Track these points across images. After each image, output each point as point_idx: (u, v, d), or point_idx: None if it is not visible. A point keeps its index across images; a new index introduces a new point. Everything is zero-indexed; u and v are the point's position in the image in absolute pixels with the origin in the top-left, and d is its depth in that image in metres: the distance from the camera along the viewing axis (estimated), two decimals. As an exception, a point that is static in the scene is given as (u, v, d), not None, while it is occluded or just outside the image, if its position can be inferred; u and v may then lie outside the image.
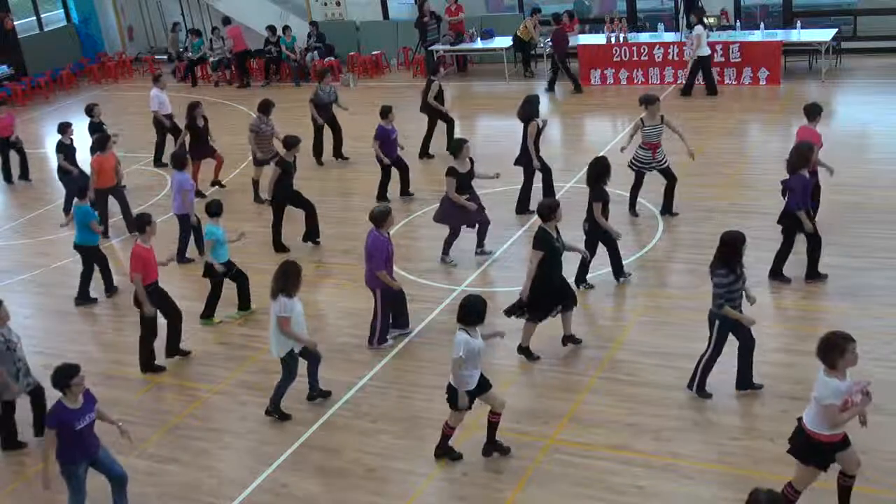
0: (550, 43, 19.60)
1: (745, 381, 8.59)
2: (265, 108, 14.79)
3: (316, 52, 23.38)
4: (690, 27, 18.11)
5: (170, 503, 8.20)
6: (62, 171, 15.01)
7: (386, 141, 14.05)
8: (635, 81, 19.50)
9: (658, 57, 19.15)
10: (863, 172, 13.50)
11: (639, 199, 12.91)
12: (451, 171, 11.56)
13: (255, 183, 14.97)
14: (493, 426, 8.07)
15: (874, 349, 9.05)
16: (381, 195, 14.27)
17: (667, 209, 12.65)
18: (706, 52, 17.98)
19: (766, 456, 7.80)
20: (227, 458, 8.74)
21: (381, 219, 9.85)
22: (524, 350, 9.60)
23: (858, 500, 7.19)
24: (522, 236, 12.54)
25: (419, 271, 11.91)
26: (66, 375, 7.29)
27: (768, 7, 21.31)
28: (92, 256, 12.05)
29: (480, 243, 12.10)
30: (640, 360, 9.40)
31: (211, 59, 24.09)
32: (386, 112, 14.10)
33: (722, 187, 13.50)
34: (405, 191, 14.50)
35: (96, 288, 12.25)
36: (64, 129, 15.08)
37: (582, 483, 7.74)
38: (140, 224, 10.10)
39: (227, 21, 23.85)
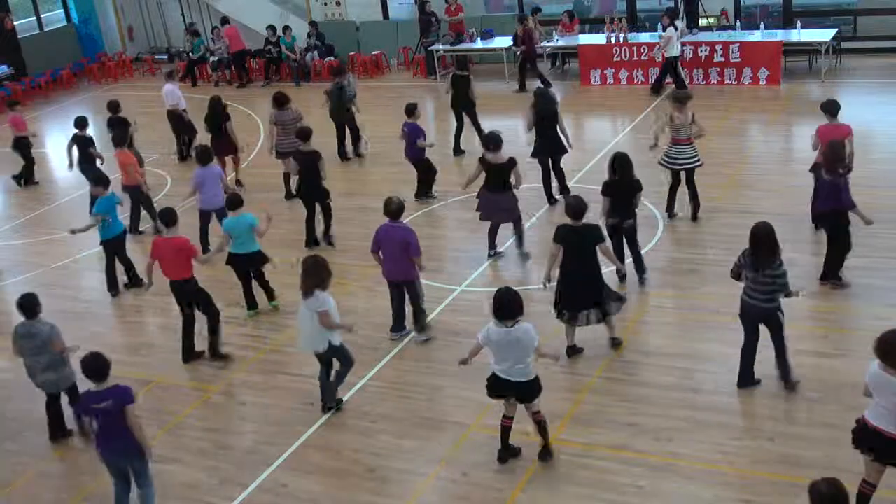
0: (519, 45, 20.14)
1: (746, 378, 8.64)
2: (278, 101, 14.60)
3: (316, 51, 23.38)
4: (664, 28, 18.42)
5: (170, 503, 8.20)
6: (84, 162, 14.90)
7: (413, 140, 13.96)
8: (635, 81, 19.50)
9: (658, 57, 19.12)
10: (864, 172, 13.45)
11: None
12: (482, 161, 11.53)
13: (287, 177, 14.76)
14: (538, 424, 7.98)
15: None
16: (425, 192, 14.21)
17: (669, 210, 12.58)
18: (675, 52, 18.18)
19: (766, 456, 7.80)
20: (227, 458, 8.74)
21: (401, 211, 9.92)
22: (568, 348, 9.50)
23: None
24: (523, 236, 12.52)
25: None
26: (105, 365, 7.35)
27: (768, 7, 21.30)
28: (119, 248, 12.04)
29: (519, 243, 11.97)
30: (640, 360, 9.40)
31: (210, 59, 24.08)
32: (412, 109, 14.00)
33: (722, 187, 13.50)
34: (425, 193, 14.32)
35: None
36: (81, 124, 15.01)
37: (582, 483, 7.74)
38: (172, 218, 10.05)
39: (224, 21, 23.84)
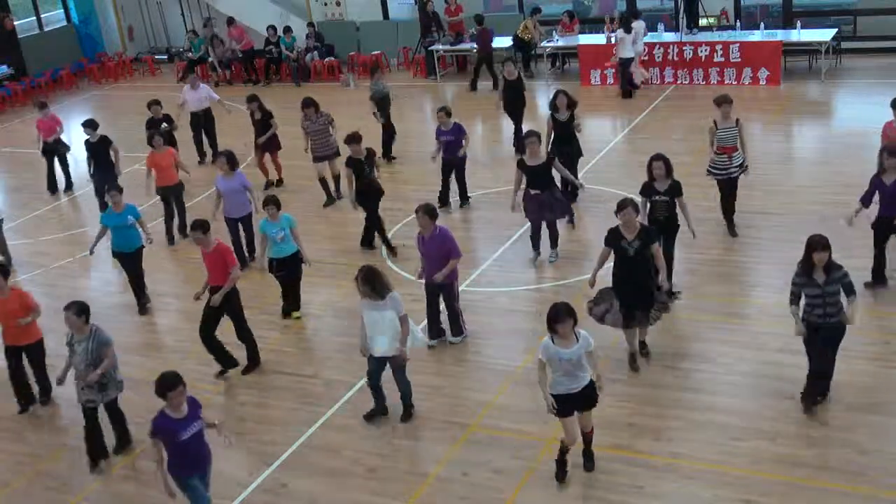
0: (475, 45, 20.56)
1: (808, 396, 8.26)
2: (307, 105, 14.27)
3: (315, 52, 23.38)
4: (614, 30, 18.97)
5: (170, 503, 8.19)
6: (101, 167, 14.47)
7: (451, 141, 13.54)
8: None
9: (658, 57, 19.13)
10: (863, 172, 13.43)
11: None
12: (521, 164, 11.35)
13: (322, 181, 14.51)
14: (586, 440, 7.78)
15: (874, 349, 9.06)
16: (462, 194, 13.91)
17: (728, 220, 11.94)
18: (629, 54, 18.39)
19: (766, 456, 7.80)
20: (227, 458, 8.73)
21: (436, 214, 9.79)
22: (630, 355, 9.29)
23: (859, 500, 7.20)
24: (524, 234, 12.53)
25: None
26: (163, 386, 7.00)
27: (768, 7, 21.29)
28: (136, 261, 11.69)
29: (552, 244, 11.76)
30: (640, 360, 9.39)
31: (210, 60, 24.08)
32: (449, 111, 13.57)
33: (722, 187, 13.47)
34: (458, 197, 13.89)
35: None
36: (92, 125, 14.50)
37: (582, 483, 7.74)
38: (205, 227, 9.70)
39: (230, 21, 23.78)
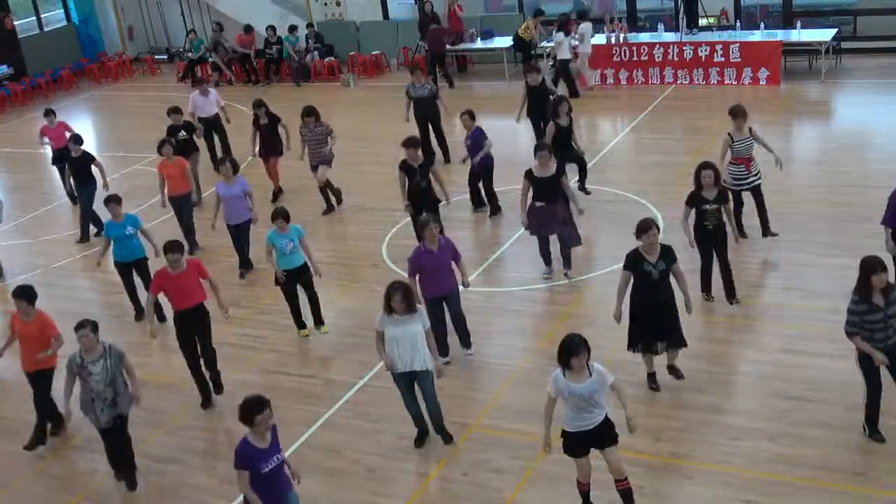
0: (426, 45, 20.94)
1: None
2: (307, 114, 14.03)
3: (316, 51, 23.38)
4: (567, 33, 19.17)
5: (170, 503, 8.20)
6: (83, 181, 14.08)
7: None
8: (635, 81, 19.49)
9: (658, 57, 19.13)
10: (863, 172, 13.50)
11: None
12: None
13: (322, 189, 14.21)
14: (623, 494, 7.20)
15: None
16: (482, 201, 13.45)
17: (766, 230, 11.45)
18: (566, 56, 18.75)
19: (766, 456, 7.80)
20: (227, 458, 8.72)
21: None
22: (648, 376, 8.93)
23: (859, 500, 7.20)
24: (524, 234, 12.53)
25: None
26: (251, 410, 6.47)
27: (768, 7, 21.30)
28: (141, 272, 11.47)
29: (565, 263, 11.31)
30: (640, 360, 9.36)
31: (210, 60, 24.08)
32: (473, 114, 13.26)
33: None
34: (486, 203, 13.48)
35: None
36: (77, 140, 14.13)
37: (582, 483, 7.73)
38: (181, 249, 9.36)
39: (248, 29, 23.69)
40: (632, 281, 8.52)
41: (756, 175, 11.23)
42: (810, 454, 7.74)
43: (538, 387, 9.19)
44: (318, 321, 10.80)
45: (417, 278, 9.39)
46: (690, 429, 8.26)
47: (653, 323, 8.52)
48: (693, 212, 9.95)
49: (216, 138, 16.60)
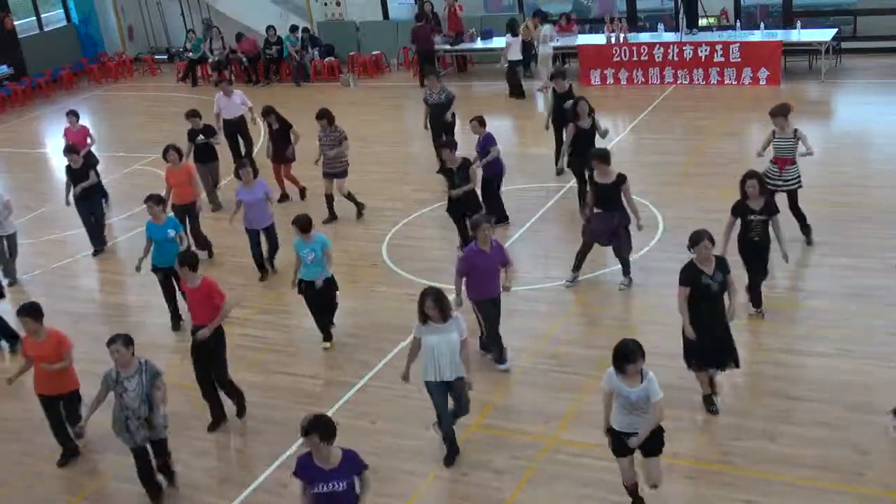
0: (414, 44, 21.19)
1: None
2: (319, 116, 13.63)
3: (316, 51, 23.38)
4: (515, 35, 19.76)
5: (170, 503, 8.20)
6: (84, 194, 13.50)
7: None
8: (635, 81, 19.50)
9: (658, 57, 19.14)
10: (863, 172, 13.51)
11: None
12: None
13: (330, 199, 13.85)
14: (637, 499, 7.23)
15: (874, 349, 9.07)
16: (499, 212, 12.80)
17: (806, 234, 11.30)
18: (516, 57, 19.53)
19: (766, 456, 7.80)
20: (227, 458, 8.74)
21: None
22: (704, 398, 8.51)
23: (859, 500, 7.20)
24: (525, 234, 12.54)
25: (420, 271, 11.91)
26: (321, 428, 6.19)
27: (768, 7, 21.31)
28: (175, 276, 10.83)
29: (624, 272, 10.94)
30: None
31: (210, 60, 24.08)
32: (482, 120, 12.86)
33: (722, 187, 13.46)
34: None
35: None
36: (76, 150, 13.66)
37: (582, 483, 7.74)
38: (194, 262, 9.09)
39: (239, 37, 23.67)
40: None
41: (788, 181, 10.92)
42: (810, 454, 7.74)
43: (538, 387, 9.22)
44: (326, 336, 10.45)
45: (465, 281, 9.22)
46: (690, 429, 8.26)
47: (712, 339, 8.15)
48: (739, 223, 9.63)
49: (240, 141, 16.13)
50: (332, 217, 13.95)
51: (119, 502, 8.37)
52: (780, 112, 10.97)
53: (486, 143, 12.61)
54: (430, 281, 11.62)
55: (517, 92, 19.57)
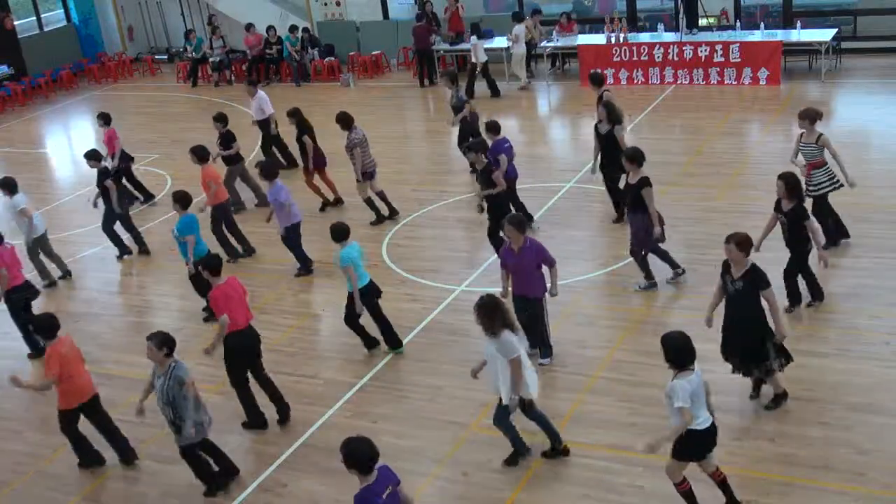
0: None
1: None
2: (336, 119, 13.38)
3: (316, 51, 23.38)
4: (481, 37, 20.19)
5: (170, 503, 8.20)
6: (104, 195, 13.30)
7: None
8: (635, 81, 19.50)
9: (658, 57, 19.13)
10: (863, 172, 13.47)
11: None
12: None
13: (371, 201, 13.56)
14: (721, 484, 7.20)
15: (874, 349, 9.07)
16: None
17: (842, 233, 11.18)
18: (483, 58, 19.70)
19: (766, 456, 7.81)
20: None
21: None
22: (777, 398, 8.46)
23: (859, 500, 7.20)
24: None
25: (420, 271, 11.92)
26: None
27: (768, 7, 21.30)
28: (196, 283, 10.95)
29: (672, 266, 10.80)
30: (640, 360, 9.39)
31: (211, 59, 24.09)
32: (493, 127, 12.49)
33: (722, 188, 13.50)
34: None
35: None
36: (95, 156, 13.38)
37: (582, 483, 7.74)
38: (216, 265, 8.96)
39: (248, 27, 23.67)
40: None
41: (814, 185, 10.73)
42: (810, 454, 7.74)
43: (538, 387, 9.21)
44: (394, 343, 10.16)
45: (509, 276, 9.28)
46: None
47: (724, 335, 8.30)
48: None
49: (272, 143, 15.96)
50: (382, 218, 13.57)
51: (119, 502, 8.38)
52: (804, 116, 10.84)
53: (495, 150, 12.18)
54: (430, 281, 11.65)
55: (470, 94, 19.07)
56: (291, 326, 10.99)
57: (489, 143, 12.29)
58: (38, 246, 12.64)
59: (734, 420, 8.32)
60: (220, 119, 14.34)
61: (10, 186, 12.44)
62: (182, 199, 11.00)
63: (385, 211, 13.65)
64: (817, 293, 9.98)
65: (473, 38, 19.91)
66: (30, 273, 12.05)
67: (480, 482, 7.94)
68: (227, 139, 14.23)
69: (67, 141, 21.58)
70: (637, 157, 10.40)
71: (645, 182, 10.24)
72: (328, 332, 10.80)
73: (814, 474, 7.51)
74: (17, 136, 21.32)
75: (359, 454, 6.04)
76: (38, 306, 12.36)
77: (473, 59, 19.78)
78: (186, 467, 8.51)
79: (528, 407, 7.88)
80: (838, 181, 10.80)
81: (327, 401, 9.36)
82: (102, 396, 8.71)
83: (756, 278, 7.94)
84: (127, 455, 8.73)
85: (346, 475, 8.19)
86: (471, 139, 12.86)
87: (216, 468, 8.24)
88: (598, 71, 14.17)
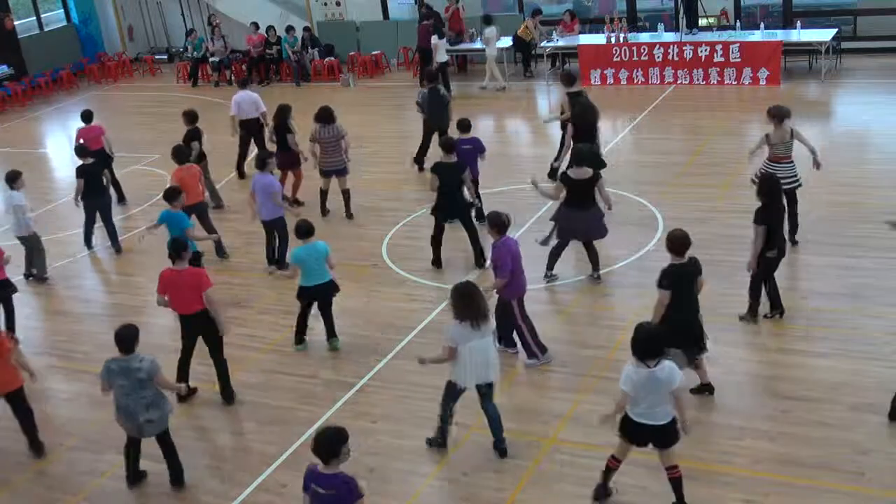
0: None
1: None
2: (323, 118, 13.56)
3: (315, 51, 23.39)
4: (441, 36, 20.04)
5: (170, 503, 8.20)
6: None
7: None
8: (635, 81, 19.50)
9: (658, 57, 19.14)
10: (863, 172, 13.51)
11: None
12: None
13: (324, 194, 13.91)
14: (673, 482, 7.23)
15: (874, 349, 9.07)
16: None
17: (791, 234, 11.20)
18: (443, 59, 19.88)
19: (766, 456, 7.81)
20: (227, 458, 8.74)
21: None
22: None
23: (859, 500, 7.21)
24: (523, 235, 12.53)
25: (420, 271, 11.91)
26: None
27: (768, 7, 21.30)
28: None
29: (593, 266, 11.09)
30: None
31: (211, 59, 24.09)
32: (468, 126, 12.73)
33: (722, 187, 13.50)
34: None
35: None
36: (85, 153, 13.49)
37: (582, 483, 7.73)
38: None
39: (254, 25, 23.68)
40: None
41: (787, 178, 10.82)
42: (810, 454, 7.74)
43: (538, 387, 9.23)
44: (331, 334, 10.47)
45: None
46: (690, 429, 8.24)
47: (680, 335, 8.47)
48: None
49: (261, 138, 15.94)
50: (327, 211, 13.97)
51: (119, 502, 8.37)
52: (777, 113, 11.17)
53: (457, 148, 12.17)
54: (430, 281, 11.65)
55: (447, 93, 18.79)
56: (291, 327, 10.97)
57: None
58: (30, 244, 12.71)
59: (734, 420, 8.33)
60: (187, 115, 14.25)
61: (12, 180, 12.53)
62: (170, 196, 11.25)
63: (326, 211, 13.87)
64: (778, 304, 9.91)
65: (434, 37, 19.66)
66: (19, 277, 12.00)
67: (480, 482, 7.93)
68: (189, 137, 14.06)
69: (67, 141, 21.50)
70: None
71: (599, 175, 10.74)
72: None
73: (814, 474, 7.51)
74: (17, 136, 21.32)
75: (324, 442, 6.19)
76: (39, 304, 12.40)
77: (437, 59, 19.55)
78: (186, 467, 8.52)
79: (482, 397, 8.07)
80: (798, 180, 11.06)
81: (327, 401, 9.36)
82: (100, 395, 8.66)
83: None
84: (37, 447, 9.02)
85: (346, 475, 8.23)
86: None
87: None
88: (569, 69, 14.14)
